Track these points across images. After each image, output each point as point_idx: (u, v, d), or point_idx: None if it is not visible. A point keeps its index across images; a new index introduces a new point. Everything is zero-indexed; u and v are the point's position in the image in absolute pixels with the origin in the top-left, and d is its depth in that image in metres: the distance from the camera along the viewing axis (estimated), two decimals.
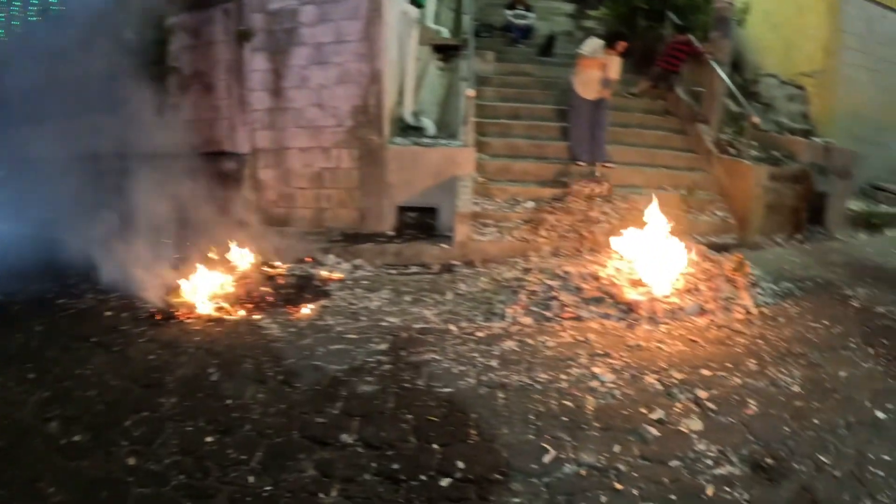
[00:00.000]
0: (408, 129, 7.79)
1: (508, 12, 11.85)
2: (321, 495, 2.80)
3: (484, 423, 3.34)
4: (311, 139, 7.05)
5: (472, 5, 9.57)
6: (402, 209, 7.18)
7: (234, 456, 2.99)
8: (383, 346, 4.30)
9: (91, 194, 6.21)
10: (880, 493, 2.83)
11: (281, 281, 5.64)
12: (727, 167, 8.09)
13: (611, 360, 4.09)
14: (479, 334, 4.56)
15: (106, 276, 5.34)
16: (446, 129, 8.02)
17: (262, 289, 5.36)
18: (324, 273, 5.99)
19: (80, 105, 7.07)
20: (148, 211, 5.48)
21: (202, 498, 2.79)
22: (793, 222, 7.84)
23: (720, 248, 6.86)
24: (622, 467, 2.99)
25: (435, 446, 3.13)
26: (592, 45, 8.05)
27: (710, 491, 2.84)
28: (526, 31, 11.82)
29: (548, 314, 4.92)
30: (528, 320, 4.86)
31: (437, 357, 4.14)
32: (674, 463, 3.04)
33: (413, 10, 7.99)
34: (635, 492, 2.83)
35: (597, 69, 8.00)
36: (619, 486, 2.86)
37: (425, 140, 7.52)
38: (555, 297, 5.08)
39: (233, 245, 5.79)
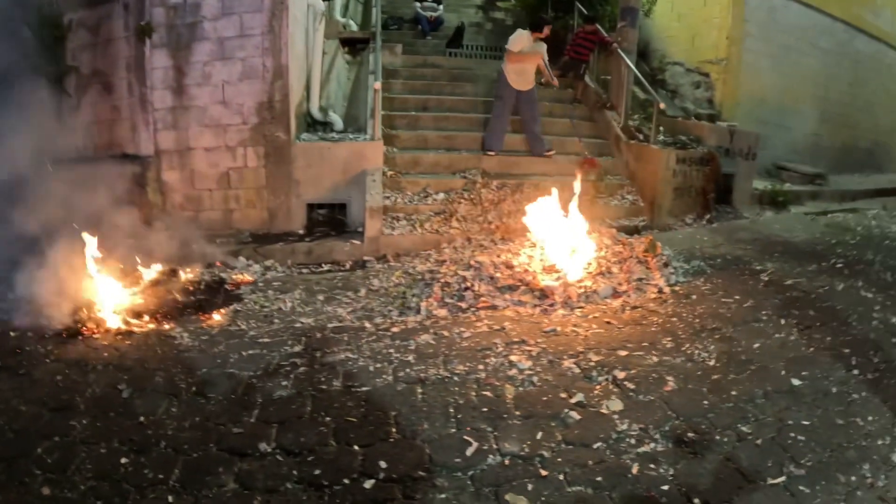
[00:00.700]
0: (315, 125, 7.73)
1: (417, 4, 11.86)
2: None
3: (404, 420, 3.35)
4: (215, 138, 6.86)
5: None
6: (312, 206, 7.12)
7: (152, 476, 2.91)
8: (298, 348, 4.27)
9: None
10: (803, 458, 3.00)
11: (190, 287, 5.50)
12: (636, 152, 8.42)
13: (528, 348, 4.17)
14: (395, 330, 4.59)
15: (4, 293, 5.08)
16: (354, 124, 8.00)
17: (171, 297, 5.23)
18: (234, 276, 5.89)
19: None
20: (46, 220, 5.22)
21: None
22: (701, 203, 8.24)
23: (631, 231, 7.20)
24: (546, 453, 3.06)
25: (356, 448, 3.12)
26: (521, 38, 8.17)
27: (635, 469, 2.93)
28: (435, 24, 11.85)
29: (463, 305, 5.01)
30: (443, 312, 4.92)
31: (353, 356, 4.13)
32: (597, 445, 3.12)
33: (319, 3, 7.87)
34: (561, 477, 2.89)
35: (528, 62, 8.17)
36: (544, 473, 2.91)
37: (333, 135, 7.46)
38: (469, 288, 5.18)
39: (139, 252, 5.60)
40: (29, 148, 5.89)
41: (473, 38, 11.98)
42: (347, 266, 6.50)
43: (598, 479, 2.89)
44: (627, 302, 4.98)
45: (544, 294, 5.01)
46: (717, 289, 5.26)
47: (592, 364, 3.94)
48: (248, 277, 5.93)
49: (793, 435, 3.20)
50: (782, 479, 2.86)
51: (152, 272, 5.56)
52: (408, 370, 3.92)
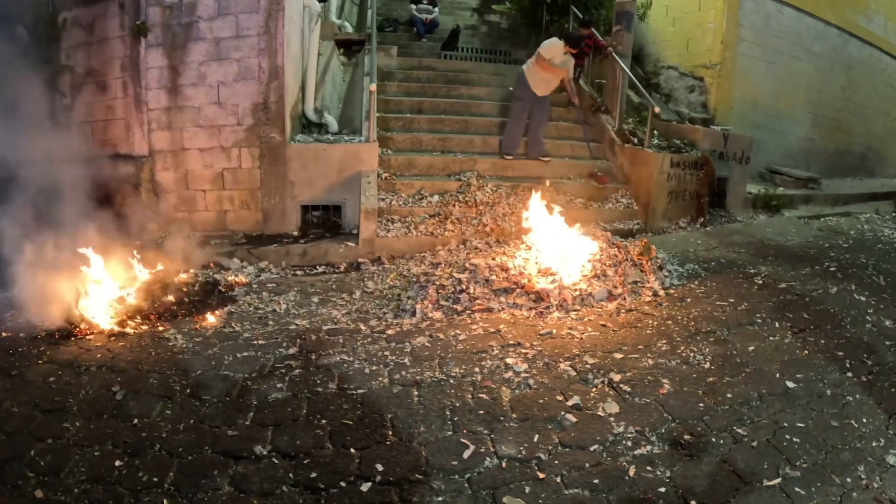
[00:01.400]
0: (310, 126, 7.73)
1: (413, 6, 11.85)
2: None
3: (400, 423, 3.33)
4: (210, 139, 6.86)
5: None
6: (307, 208, 7.12)
7: (146, 479, 2.88)
8: (292, 351, 4.25)
9: None
10: (798, 459, 3.02)
11: (184, 289, 5.48)
12: (630, 156, 8.43)
13: (524, 350, 4.16)
14: (390, 332, 4.57)
15: None
16: (349, 125, 8.01)
17: (165, 298, 5.19)
18: (228, 278, 5.87)
19: None
20: (41, 220, 5.19)
21: None
22: (695, 207, 8.25)
23: (626, 234, 7.21)
24: (543, 456, 3.05)
25: (352, 451, 3.10)
26: (555, 47, 8.14)
27: (632, 472, 2.93)
28: (430, 26, 11.86)
29: (458, 308, 4.99)
30: (438, 315, 4.91)
31: (349, 358, 4.11)
32: (594, 447, 3.12)
33: (315, 4, 7.87)
34: (558, 479, 2.89)
35: (555, 73, 8.18)
36: (541, 475, 2.90)
37: (328, 137, 7.47)
38: (464, 291, 5.16)
39: (132, 253, 5.57)
40: (22, 147, 5.85)
41: (468, 41, 11.99)
42: (342, 268, 6.49)
43: (595, 481, 2.88)
44: (622, 305, 4.98)
45: (540, 297, 5.00)
46: (712, 292, 5.27)
47: (588, 367, 3.93)
48: (242, 279, 5.91)
49: (788, 437, 3.21)
50: (778, 480, 2.87)
51: (146, 273, 5.52)
52: (403, 373, 3.90)
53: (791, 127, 11.90)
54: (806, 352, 4.15)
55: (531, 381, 3.76)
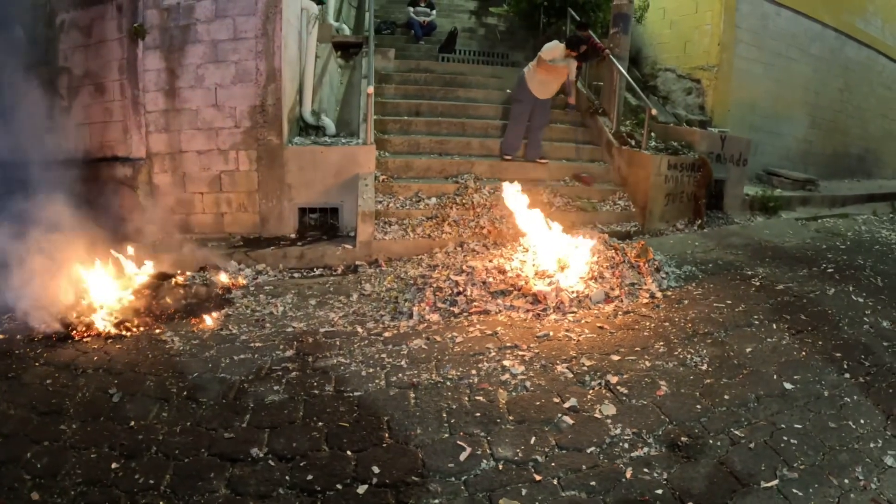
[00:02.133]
0: (307, 129, 7.73)
1: (410, 9, 11.86)
2: None
3: (397, 425, 3.33)
4: (208, 141, 6.85)
5: (374, 2, 9.57)
6: (304, 211, 7.12)
7: (143, 481, 2.88)
8: (289, 353, 4.25)
9: None
10: (795, 461, 3.01)
11: (181, 291, 5.47)
12: (627, 158, 8.43)
13: (520, 352, 4.15)
14: (387, 334, 4.57)
15: None
16: (347, 128, 8.02)
17: (162, 300, 5.19)
18: (226, 280, 5.86)
19: None
20: (37, 222, 5.19)
21: None
22: (692, 208, 8.28)
23: (623, 236, 7.21)
24: (540, 458, 3.04)
25: (349, 453, 3.10)
26: (554, 49, 8.15)
27: (628, 474, 2.92)
28: (428, 28, 11.87)
29: (455, 310, 4.98)
30: (435, 317, 4.91)
31: (345, 360, 4.11)
32: (591, 449, 3.12)
33: (313, 7, 7.88)
34: (555, 482, 2.88)
35: (555, 75, 8.18)
36: (538, 478, 2.90)
37: (325, 139, 7.48)
38: (461, 293, 5.16)
39: (130, 255, 5.57)
40: (19, 149, 5.85)
41: (466, 44, 12.00)
42: (339, 270, 6.49)
43: (592, 483, 2.88)
44: (620, 307, 4.97)
45: (537, 299, 5.00)
46: (709, 293, 5.26)
47: (585, 369, 3.92)
48: (239, 281, 5.90)
49: (786, 438, 3.20)
50: (775, 482, 2.86)
51: (143, 275, 5.52)
52: (400, 375, 3.89)
53: (788, 129, 11.93)
54: (803, 353, 4.14)
55: (528, 384, 3.75)
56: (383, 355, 4.19)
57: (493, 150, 8.49)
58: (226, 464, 3.03)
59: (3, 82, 6.53)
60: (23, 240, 4.92)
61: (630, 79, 9.10)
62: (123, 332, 4.59)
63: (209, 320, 4.94)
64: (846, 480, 2.89)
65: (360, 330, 4.72)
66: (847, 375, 3.86)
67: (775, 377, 3.83)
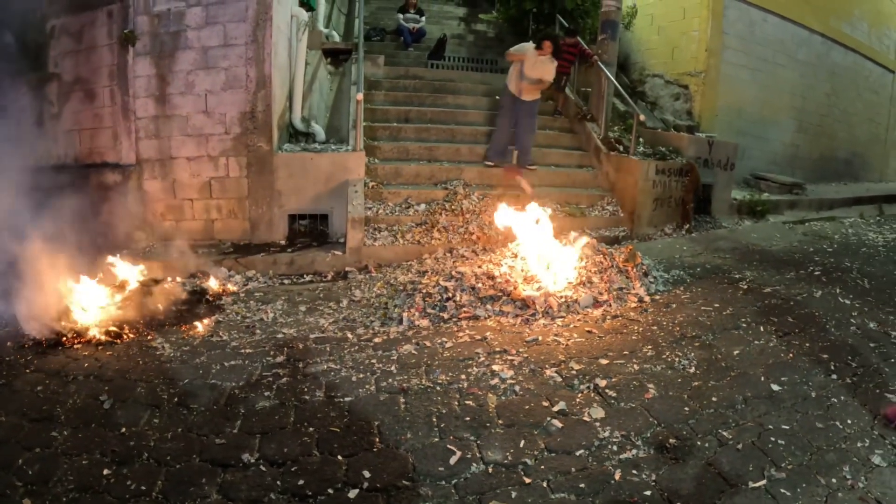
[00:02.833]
0: (297, 136, 7.75)
1: (400, 16, 11.92)
2: None
3: (387, 430, 3.33)
4: (198, 148, 6.86)
5: (363, 9, 9.59)
6: (294, 217, 7.12)
7: (134, 487, 2.87)
8: (280, 359, 4.24)
9: None
10: (783, 461, 3.03)
11: (172, 297, 5.44)
12: (616, 163, 8.49)
13: (510, 357, 4.16)
14: (377, 340, 4.57)
15: None
16: (336, 134, 8.03)
17: (153, 307, 5.16)
18: (216, 287, 5.86)
19: None
20: (27, 229, 5.17)
21: None
22: (680, 213, 8.34)
23: (611, 241, 7.25)
24: (529, 461, 3.05)
25: (339, 458, 3.10)
26: (522, 47, 8.24)
27: (617, 476, 2.93)
28: (417, 35, 11.92)
29: (444, 315, 5.00)
30: (425, 322, 4.92)
31: (336, 366, 4.10)
32: (580, 452, 3.13)
33: (303, 14, 7.90)
34: (544, 484, 2.89)
35: (530, 73, 8.16)
36: (527, 481, 2.91)
37: (315, 146, 7.49)
38: (451, 299, 5.17)
39: (120, 262, 5.56)
40: (8, 155, 5.83)
41: (455, 50, 12.06)
42: (329, 277, 6.49)
43: (582, 485, 2.89)
44: (608, 311, 5.00)
45: (525, 304, 5.02)
46: (697, 297, 5.29)
47: (574, 373, 3.94)
48: (229, 288, 5.90)
49: (773, 439, 3.23)
50: (763, 482, 2.88)
51: (133, 282, 5.50)
52: (390, 380, 3.89)
53: (776, 133, 12.03)
54: (791, 355, 4.17)
55: (517, 388, 3.76)
56: (373, 361, 4.19)
57: (482, 157, 8.51)
58: (217, 469, 3.03)
59: None
60: (12, 246, 4.90)
61: (618, 85, 9.18)
62: (114, 339, 4.57)
63: (200, 327, 4.93)
64: (834, 480, 2.92)
65: (350, 336, 4.71)
66: (834, 376, 3.89)
67: (763, 379, 3.85)
